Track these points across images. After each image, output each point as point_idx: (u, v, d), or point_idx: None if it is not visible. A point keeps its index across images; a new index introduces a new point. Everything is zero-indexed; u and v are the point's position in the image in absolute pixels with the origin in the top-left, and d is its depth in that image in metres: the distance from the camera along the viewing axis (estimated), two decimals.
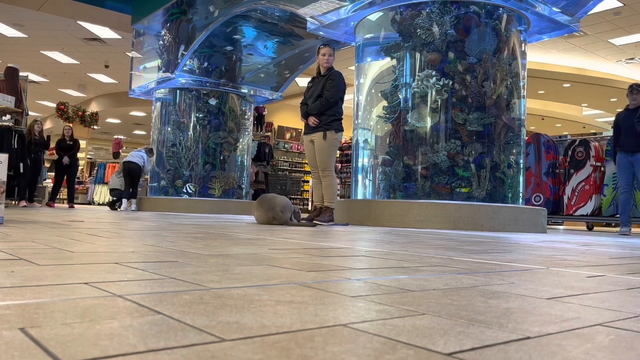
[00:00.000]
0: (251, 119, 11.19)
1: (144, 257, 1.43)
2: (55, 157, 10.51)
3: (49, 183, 12.57)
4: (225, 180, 10.32)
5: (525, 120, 6.23)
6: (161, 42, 10.73)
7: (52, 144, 10.94)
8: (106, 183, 16.15)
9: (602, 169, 8.17)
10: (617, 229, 7.23)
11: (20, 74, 10.16)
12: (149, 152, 10.22)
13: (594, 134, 12.32)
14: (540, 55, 13.40)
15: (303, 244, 2.22)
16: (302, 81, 15.70)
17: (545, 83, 15.04)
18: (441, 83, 5.65)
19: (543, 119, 19.82)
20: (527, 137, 7.58)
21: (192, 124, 10.27)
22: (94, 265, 1.22)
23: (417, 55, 5.83)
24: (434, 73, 5.69)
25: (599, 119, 19.60)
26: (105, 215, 5.55)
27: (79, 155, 11.41)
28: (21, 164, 9.22)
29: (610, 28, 11.44)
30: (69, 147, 10.49)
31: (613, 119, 6.86)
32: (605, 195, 8.06)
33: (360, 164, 6.45)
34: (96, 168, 18.46)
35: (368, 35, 6.53)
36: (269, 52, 10.72)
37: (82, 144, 23.54)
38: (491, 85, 5.70)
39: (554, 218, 8.69)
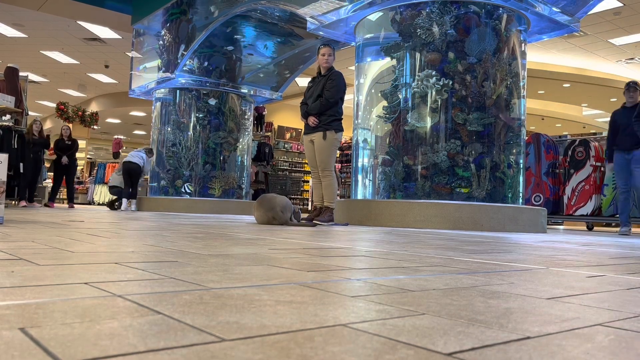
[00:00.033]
0: (251, 119, 11.19)
1: (144, 257, 1.43)
2: (54, 157, 10.51)
3: (49, 183, 12.57)
4: (225, 180, 10.32)
5: (525, 120, 6.23)
6: (161, 42, 10.73)
7: (52, 144, 10.94)
8: (106, 183, 16.15)
9: (602, 169, 8.17)
10: (617, 229, 7.22)
11: (20, 74, 10.16)
12: (149, 152, 10.22)
13: (594, 134, 12.31)
14: (540, 55, 13.40)
15: (303, 244, 2.22)
16: (302, 81, 15.70)
17: (545, 83, 15.04)
18: (441, 83, 5.65)
19: (543, 119, 19.82)
20: (527, 137, 7.58)
21: (192, 124, 10.28)
22: (94, 265, 1.22)
23: (417, 55, 5.83)
24: (434, 73, 5.69)
25: (599, 119, 19.60)
26: (105, 215, 5.55)
27: (78, 155, 11.41)
28: (21, 164, 9.22)
29: (610, 28, 11.44)
30: (67, 147, 10.48)
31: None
32: (605, 195, 8.06)
33: (360, 164, 6.44)
34: (96, 168, 18.46)
35: (368, 35, 6.53)
36: (269, 52, 10.72)
37: (82, 144, 23.60)
38: (491, 85, 5.70)
39: (554, 218, 8.69)
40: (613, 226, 11.04)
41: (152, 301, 0.79)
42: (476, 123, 5.61)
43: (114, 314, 0.69)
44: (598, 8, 9.76)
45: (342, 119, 5.47)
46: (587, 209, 8.23)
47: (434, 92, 5.69)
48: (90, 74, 17.60)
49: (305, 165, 17.48)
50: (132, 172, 9.70)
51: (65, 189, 11.02)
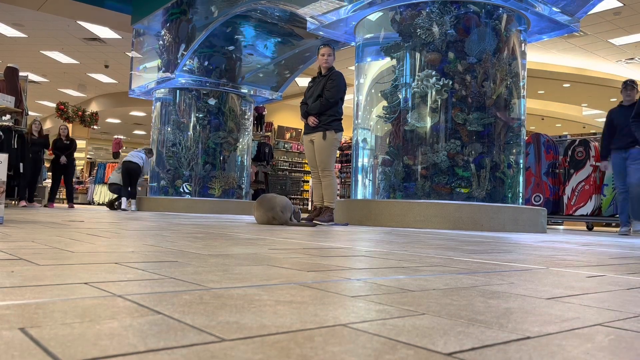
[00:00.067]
0: (251, 119, 11.19)
1: (144, 257, 1.43)
2: (52, 156, 10.51)
3: (49, 183, 12.58)
4: (225, 180, 10.32)
5: (525, 120, 6.23)
6: (161, 42, 10.73)
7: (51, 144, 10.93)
8: (106, 183, 16.15)
9: (602, 169, 8.17)
10: (617, 229, 7.22)
11: (20, 74, 10.16)
12: (149, 152, 10.22)
13: (594, 134, 12.31)
14: (540, 55, 13.40)
15: (303, 244, 2.22)
16: (302, 81, 15.70)
17: (545, 83, 15.04)
18: (441, 83, 5.65)
19: (543, 119, 19.83)
20: (527, 137, 7.58)
21: (192, 124, 10.28)
22: (94, 265, 1.22)
23: (417, 55, 5.83)
24: (433, 73, 5.69)
25: (599, 119, 19.59)
26: (105, 215, 5.55)
27: (77, 155, 11.41)
28: (21, 164, 9.22)
29: (610, 28, 11.44)
30: (65, 146, 10.47)
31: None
32: (605, 195, 8.06)
33: (360, 164, 6.44)
34: (96, 168, 18.46)
35: (368, 35, 6.53)
36: (269, 52, 10.72)
37: (82, 144, 23.62)
38: (491, 85, 5.70)
39: (554, 218, 8.69)
40: (613, 226, 11.04)
41: (152, 301, 0.79)
42: (476, 123, 5.61)
43: (114, 314, 0.69)
44: (598, 8, 9.76)
45: (342, 119, 5.47)
46: (587, 209, 8.23)
47: (434, 92, 5.69)
48: (90, 74, 17.60)
49: (305, 165, 17.48)
50: (131, 172, 9.70)
51: (65, 189, 11.01)
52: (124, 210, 9.45)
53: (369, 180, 6.27)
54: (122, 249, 1.64)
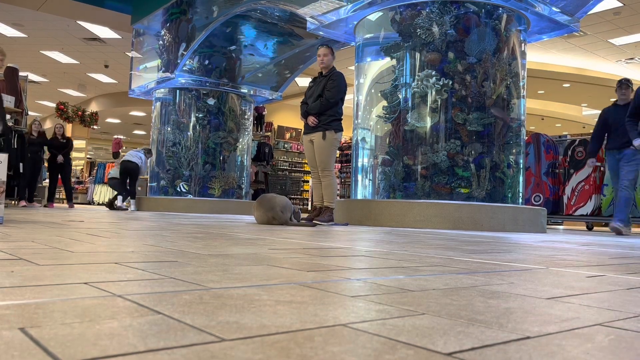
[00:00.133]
0: (251, 118, 11.19)
1: (143, 257, 1.43)
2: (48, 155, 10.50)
3: (48, 183, 12.58)
4: (225, 180, 10.32)
5: (525, 120, 6.23)
6: (161, 42, 10.73)
7: None
8: (106, 183, 16.14)
9: (602, 168, 8.17)
10: None
11: (20, 73, 10.15)
12: (147, 152, 10.22)
13: None
14: (540, 55, 13.41)
15: (303, 244, 2.22)
16: (302, 81, 15.70)
17: (545, 83, 15.04)
18: (441, 83, 5.65)
19: (543, 119, 19.83)
20: (526, 137, 7.57)
21: (191, 124, 10.28)
22: (94, 265, 1.22)
23: (417, 55, 5.83)
24: (433, 73, 5.69)
25: None
26: (104, 215, 5.55)
27: (77, 155, 11.41)
28: (21, 164, 9.22)
29: (610, 28, 11.44)
30: (61, 145, 10.44)
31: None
32: (605, 195, 8.06)
33: (360, 164, 6.45)
34: (96, 168, 18.46)
35: (368, 35, 6.53)
36: (268, 52, 10.72)
37: (82, 144, 23.62)
38: (491, 85, 5.70)
39: (554, 218, 8.69)
40: None
41: (152, 301, 0.79)
42: (476, 123, 5.61)
43: (113, 313, 0.69)
44: (598, 8, 9.76)
45: (342, 119, 5.48)
46: (587, 209, 8.23)
47: (433, 92, 5.69)
48: (90, 74, 17.60)
49: (305, 165, 17.48)
50: (129, 172, 9.70)
51: (63, 189, 11.00)
52: (123, 209, 9.45)
53: (369, 180, 6.27)
54: (122, 249, 1.64)
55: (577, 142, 8.53)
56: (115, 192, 9.95)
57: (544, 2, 5.96)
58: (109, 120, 23.84)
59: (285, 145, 18.46)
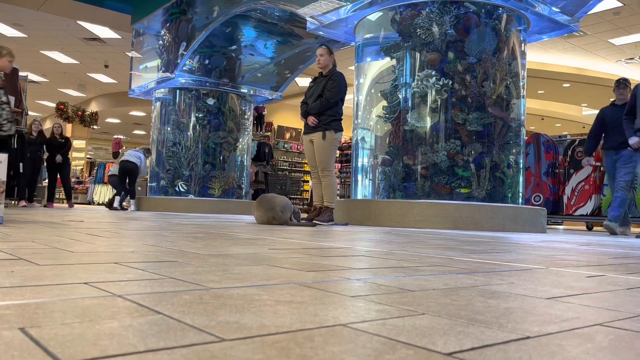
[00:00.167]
0: (251, 118, 11.19)
1: (143, 257, 1.43)
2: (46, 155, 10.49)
3: (48, 183, 12.58)
4: (225, 180, 10.32)
5: (525, 120, 6.22)
6: (161, 42, 10.73)
7: None
8: (106, 183, 16.14)
9: (601, 168, 8.17)
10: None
11: (20, 73, 10.15)
12: (146, 152, 10.21)
13: None
14: (540, 55, 13.41)
15: (303, 244, 2.22)
16: (302, 81, 15.70)
17: (545, 83, 15.04)
18: (441, 83, 5.65)
19: (543, 119, 19.83)
20: (526, 137, 7.57)
21: (191, 124, 10.27)
22: (94, 265, 1.22)
23: (417, 55, 5.83)
24: (433, 73, 5.69)
25: None
26: (104, 215, 5.55)
27: (77, 154, 11.41)
28: (21, 164, 9.22)
29: (610, 28, 11.44)
30: (60, 145, 10.44)
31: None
32: (605, 195, 8.06)
33: (360, 164, 6.45)
34: (96, 168, 18.46)
35: (368, 35, 6.53)
36: (268, 52, 10.72)
37: (82, 144, 23.63)
38: (491, 85, 5.70)
39: (554, 218, 8.69)
40: None
41: (152, 301, 0.79)
42: (476, 123, 5.61)
43: (113, 313, 0.69)
44: (598, 8, 9.76)
45: (342, 119, 5.48)
46: (587, 208, 8.23)
47: (433, 92, 5.69)
48: (90, 74, 17.60)
49: (305, 165, 17.48)
50: (128, 172, 9.69)
51: (63, 189, 10.99)
52: (123, 209, 9.44)
53: (369, 180, 6.27)
54: (122, 249, 1.64)
55: (577, 142, 8.53)
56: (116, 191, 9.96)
57: (544, 2, 5.96)
58: (109, 120, 23.84)
59: (285, 145, 18.46)
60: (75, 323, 0.63)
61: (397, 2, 5.94)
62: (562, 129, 20.43)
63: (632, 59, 13.40)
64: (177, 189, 10.12)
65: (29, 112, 11.74)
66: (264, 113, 14.07)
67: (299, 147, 18.27)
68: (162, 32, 10.67)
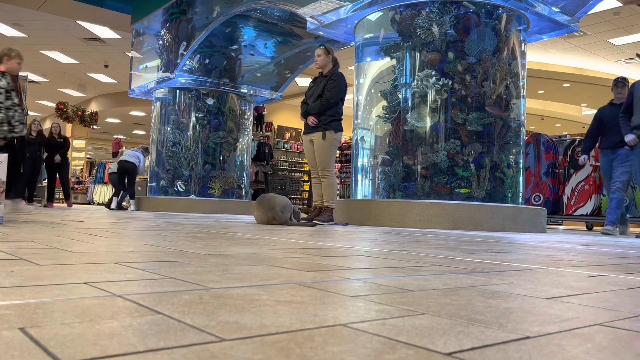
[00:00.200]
0: (251, 118, 11.19)
1: (143, 257, 1.43)
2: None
3: (47, 183, 12.58)
4: (225, 180, 10.32)
5: (525, 120, 6.22)
6: (161, 41, 10.73)
7: None
8: (106, 183, 16.15)
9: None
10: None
11: (20, 73, 10.14)
12: (145, 151, 10.21)
13: None
14: (540, 55, 13.41)
15: (303, 244, 2.22)
16: (302, 81, 15.70)
17: (545, 83, 15.04)
18: (441, 83, 5.65)
19: (543, 119, 19.83)
20: (526, 137, 7.57)
21: (191, 124, 10.27)
22: (94, 265, 1.22)
23: (417, 55, 5.83)
24: (433, 73, 5.69)
25: None
26: (104, 215, 5.55)
27: (77, 154, 11.41)
28: (21, 164, 9.20)
29: (610, 28, 11.44)
30: (59, 144, 10.43)
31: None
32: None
33: (359, 164, 6.45)
34: (96, 168, 18.46)
35: (368, 35, 6.53)
36: (268, 52, 10.72)
37: (82, 144, 23.62)
38: (491, 85, 5.70)
39: (554, 218, 8.69)
40: None
41: (152, 301, 0.79)
42: (476, 123, 5.61)
43: (113, 313, 0.69)
44: (598, 8, 9.76)
45: (341, 119, 5.48)
46: (587, 208, 8.23)
47: (433, 92, 5.69)
48: (90, 74, 17.60)
49: (305, 165, 17.47)
50: (127, 172, 9.69)
51: (62, 188, 10.99)
52: (123, 209, 9.44)
53: (369, 180, 6.27)
54: (121, 249, 1.64)
55: (577, 142, 8.53)
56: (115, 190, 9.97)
57: (543, 2, 5.96)
58: (109, 120, 23.84)
59: (285, 145, 18.46)
60: (75, 323, 0.63)
61: (397, 2, 5.94)
62: (562, 129, 20.43)
63: (632, 59, 13.40)
64: (176, 188, 10.11)
65: (29, 112, 11.73)
66: (264, 113, 14.07)
67: (298, 147, 18.27)
68: (162, 32, 10.67)
